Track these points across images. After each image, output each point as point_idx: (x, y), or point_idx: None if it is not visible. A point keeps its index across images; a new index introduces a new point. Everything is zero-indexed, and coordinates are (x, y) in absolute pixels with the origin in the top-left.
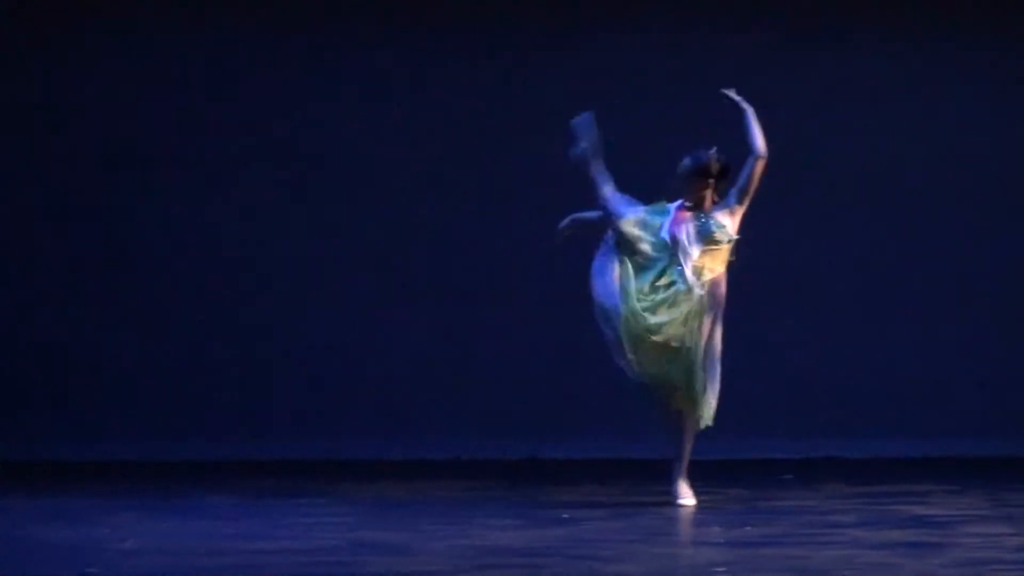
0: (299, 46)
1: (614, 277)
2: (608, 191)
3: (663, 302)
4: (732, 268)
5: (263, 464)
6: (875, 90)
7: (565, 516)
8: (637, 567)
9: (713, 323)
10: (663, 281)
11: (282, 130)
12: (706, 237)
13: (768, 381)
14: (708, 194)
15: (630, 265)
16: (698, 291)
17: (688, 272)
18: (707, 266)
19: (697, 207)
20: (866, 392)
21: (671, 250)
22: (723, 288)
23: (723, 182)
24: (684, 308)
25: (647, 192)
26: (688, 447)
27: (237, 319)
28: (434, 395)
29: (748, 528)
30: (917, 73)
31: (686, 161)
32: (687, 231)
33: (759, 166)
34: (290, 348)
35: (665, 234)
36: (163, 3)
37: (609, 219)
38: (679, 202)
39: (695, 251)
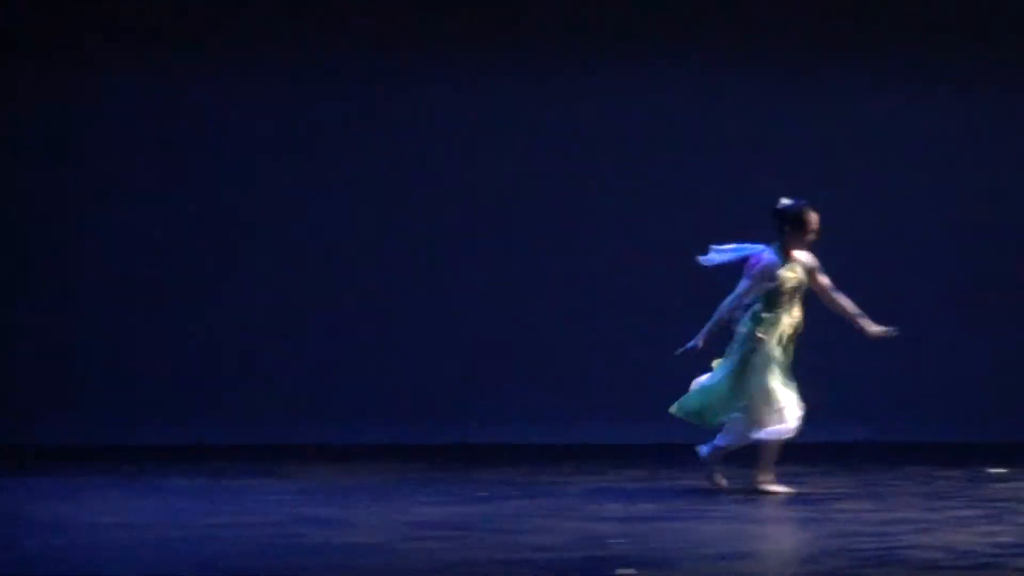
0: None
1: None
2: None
3: None
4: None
5: (216, 449)
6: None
7: (485, 494)
8: (549, 539)
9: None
10: None
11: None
12: None
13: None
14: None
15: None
16: None
17: None
18: None
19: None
20: None
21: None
22: None
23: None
24: None
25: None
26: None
27: (185, 312)
28: (367, 385)
29: (641, 504)
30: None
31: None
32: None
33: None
34: (239, 341)
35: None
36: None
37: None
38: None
39: None
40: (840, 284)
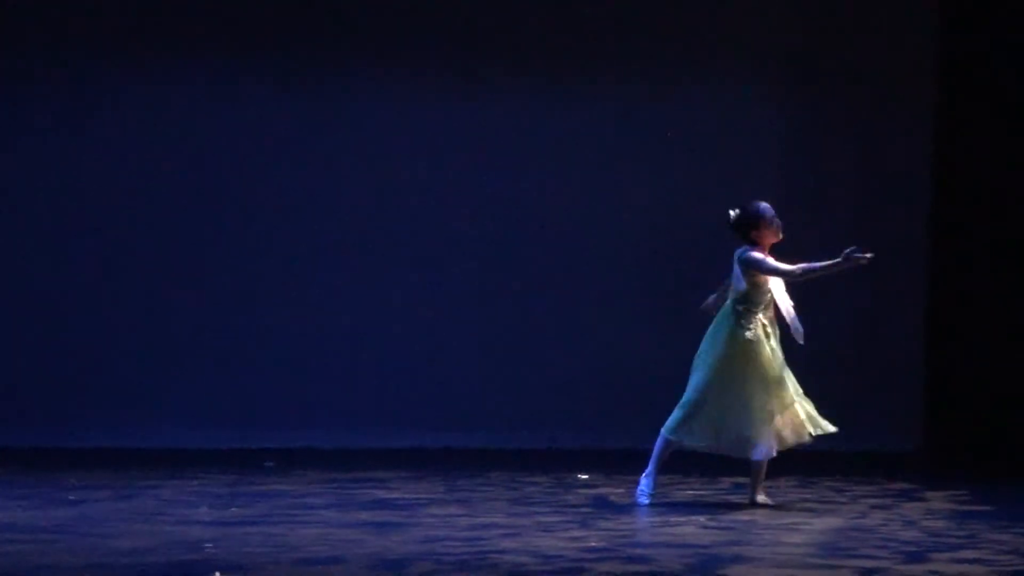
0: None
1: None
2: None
3: None
4: None
5: None
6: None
7: (74, 498)
8: (136, 542)
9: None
10: None
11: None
12: None
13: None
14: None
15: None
16: None
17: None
18: None
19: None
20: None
21: None
22: None
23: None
24: None
25: None
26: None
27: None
28: None
29: (234, 509)
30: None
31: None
32: None
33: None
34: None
35: None
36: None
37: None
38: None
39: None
40: None
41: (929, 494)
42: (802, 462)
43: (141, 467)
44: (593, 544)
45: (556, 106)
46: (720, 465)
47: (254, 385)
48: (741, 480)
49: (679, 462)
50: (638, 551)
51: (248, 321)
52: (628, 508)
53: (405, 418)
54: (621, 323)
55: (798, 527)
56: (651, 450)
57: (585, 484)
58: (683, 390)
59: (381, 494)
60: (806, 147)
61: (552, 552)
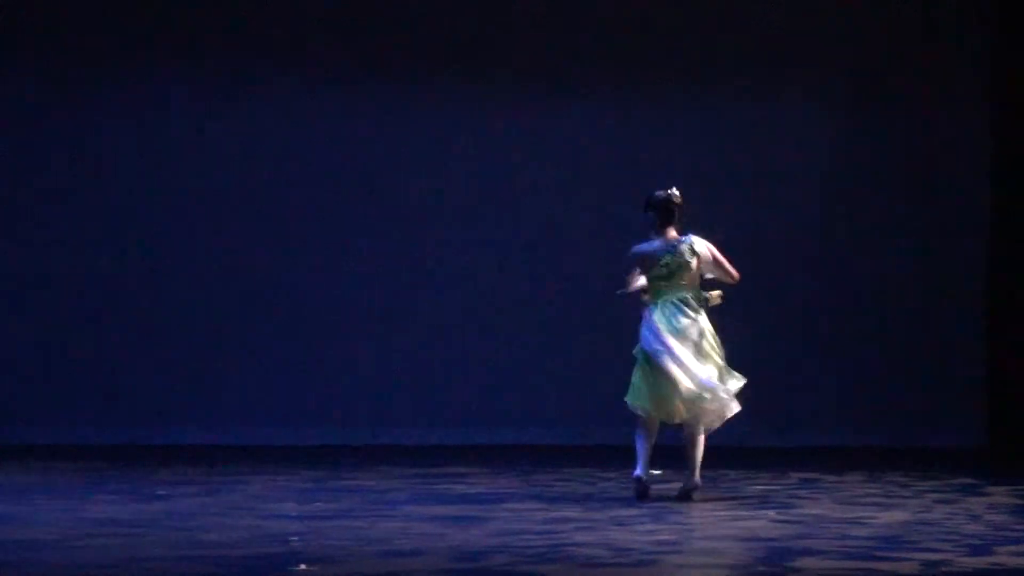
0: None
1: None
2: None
3: None
4: None
5: None
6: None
7: (164, 492)
8: (224, 535)
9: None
10: None
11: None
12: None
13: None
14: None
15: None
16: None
17: None
18: None
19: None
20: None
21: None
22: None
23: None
24: None
25: None
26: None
27: None
28: (47, 387)
29: (319, 503)
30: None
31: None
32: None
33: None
34: None
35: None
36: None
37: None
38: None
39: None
40: None
41: (992, 489)
42: (868, 458)
43: (228, 463)
44: (665, 537)
45: (618, 117)
46: (789, 461)
47: (339, 384)
48: (809, 476)
49: (747, 459)
50: (709, 544)
51: (334, 322)
52: (699, 503)
53: (484, 415)
54: None
55: (865, 521)
56: (725, 447)
57: (658, 480)
58: (757, 387)
59: (460, 489)
60: (863, 160)
61: (625, 545)
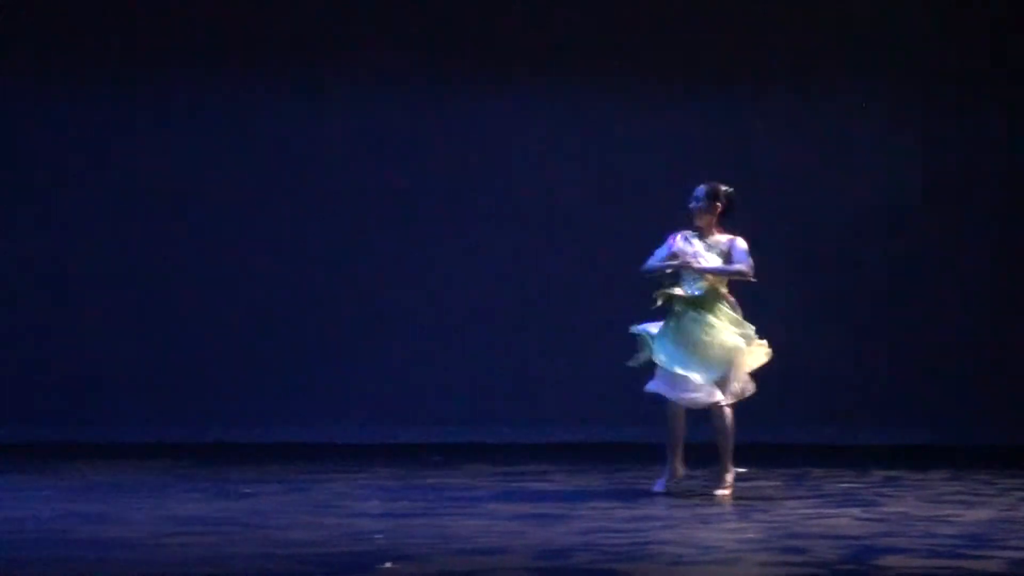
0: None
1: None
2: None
3: None
4: None
5: None
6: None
7: (247, 491)
8: (307, 534)
9: None
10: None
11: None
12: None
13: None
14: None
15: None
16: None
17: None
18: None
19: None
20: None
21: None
22: None
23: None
24: None
25: None
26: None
27: None
28: (130, 387)
29: (404, 502)
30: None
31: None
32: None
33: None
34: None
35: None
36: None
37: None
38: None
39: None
40: None
41: None
42: (953, 456)
43: (313, 461)
44: (750, 536)
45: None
46: (871, 459)
47: (424, 383)
48: (893, 474)
49: (830, 457)
50: (793, 542)
51: (422, 318)
52: (783, 501)
53: (566, 413)
54: (786, 324)
55: (950, 519)
56: (799, 445)
57: (742, 477)
58: (824, 387)
59: (543, 487)
60: (943, 155)
61: (710, 543)
